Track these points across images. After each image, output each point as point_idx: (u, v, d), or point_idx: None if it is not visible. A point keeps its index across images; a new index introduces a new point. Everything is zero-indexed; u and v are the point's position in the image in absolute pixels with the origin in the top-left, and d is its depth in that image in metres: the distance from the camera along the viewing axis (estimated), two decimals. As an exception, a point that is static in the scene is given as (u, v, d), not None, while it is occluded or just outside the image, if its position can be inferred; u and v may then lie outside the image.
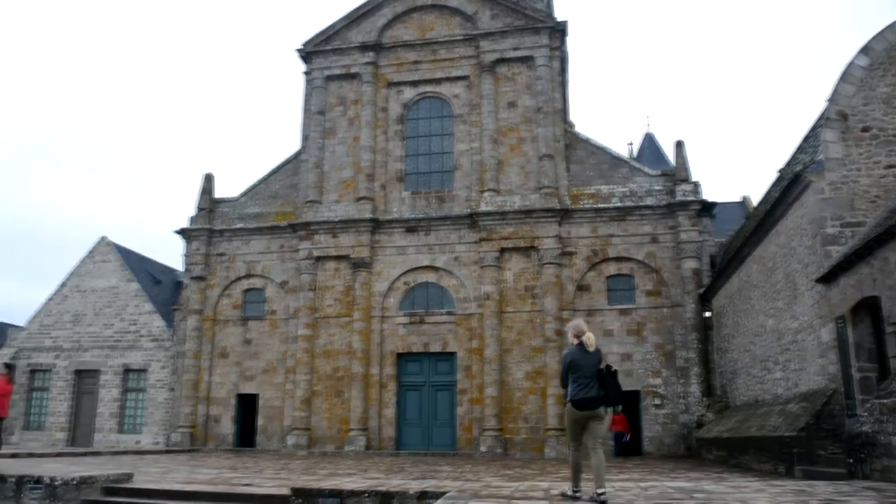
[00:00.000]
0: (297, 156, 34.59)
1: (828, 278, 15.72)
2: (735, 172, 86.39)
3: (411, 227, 31.80)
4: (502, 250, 30.47)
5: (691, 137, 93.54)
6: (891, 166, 16.66)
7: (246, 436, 32.13)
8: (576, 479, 9.51)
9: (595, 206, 30.14)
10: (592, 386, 9.16)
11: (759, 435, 18.53)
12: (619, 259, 29.62)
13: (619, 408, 28.48)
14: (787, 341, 18.92)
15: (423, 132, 33.55)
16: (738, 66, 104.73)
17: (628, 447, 27.62)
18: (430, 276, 31.39)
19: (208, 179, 34.89)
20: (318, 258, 32.28)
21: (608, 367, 9.40)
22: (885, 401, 12.20)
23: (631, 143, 49.91)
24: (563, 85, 33.49)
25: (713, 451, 23.44)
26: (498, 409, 28.85)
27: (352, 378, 30.56)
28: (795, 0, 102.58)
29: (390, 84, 34.06)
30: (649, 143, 47.01)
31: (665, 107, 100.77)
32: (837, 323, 15.45)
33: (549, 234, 29.97)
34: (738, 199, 41.93)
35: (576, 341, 9.43)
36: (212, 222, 34.15)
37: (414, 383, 30.77)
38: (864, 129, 16.95)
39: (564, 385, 9.45)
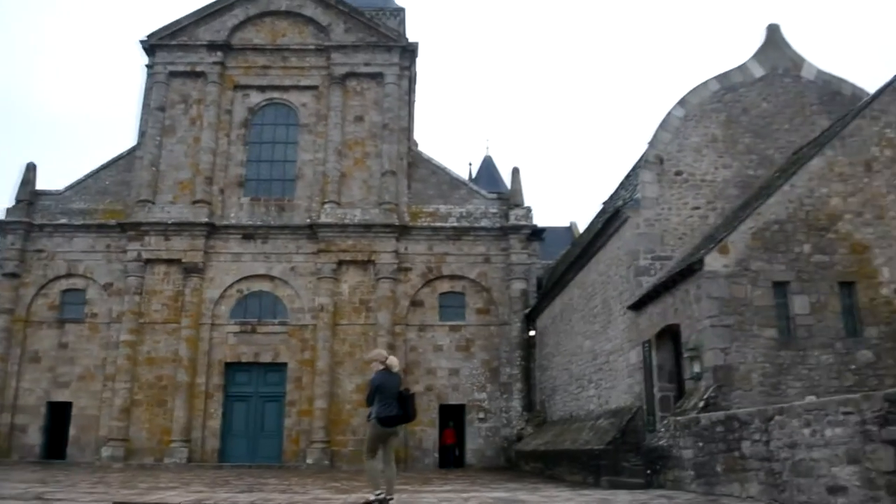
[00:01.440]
0: (131, 152, 32.93)
1: (638, 306, 17.30)
2: (566, 198, 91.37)
3: (248, 234, 31.27)
4: (340, 263, 30.67)
5: (528, 161, 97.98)
6: (697, 208, 18.61)
7: (55, 447, 29.88)
8: (378, 484, 10.32)
9: (433, 224, 31.08)
10: (395, 405, 10.15)
11: (572, 448, 19.91)
12: (452, 277, 30.71)
13: (451, 423, 29.53)
14: (601, 361, 20.50)
15: (267, 138, 33.14)
16: (579, 95, 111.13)
17: (452, 459, 28.62)
18: (265, 285, 30.96)
19: (30, 169, 32.45)
20: (148, 261, 30.88)
21: (406, 389, 10.49)
22: (679, 418, 13.66)
23: (471, 164, 51.77)
24: (410, 104, 34.34)
25: (531, 463, 24.80)
26: (326, 421, 28.88)
27: (176, 387, 29.43)
28: (638, 40, 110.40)
29: (237, 87, 33.39)
30: (487, 165, 48.94)
31: (505, 131, 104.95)
32: (644, 347, 17.03)
33: (387, 249, 30.54)
34: (566, 224, 44.55)
35: (381, 367, 10.40)
36: (31, 216, 31.70)
37: (242, 394, 30.14)
38: (677, 173, 18.84)
39: (370, 404, 10.36)
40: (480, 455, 29.16)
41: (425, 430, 29.14)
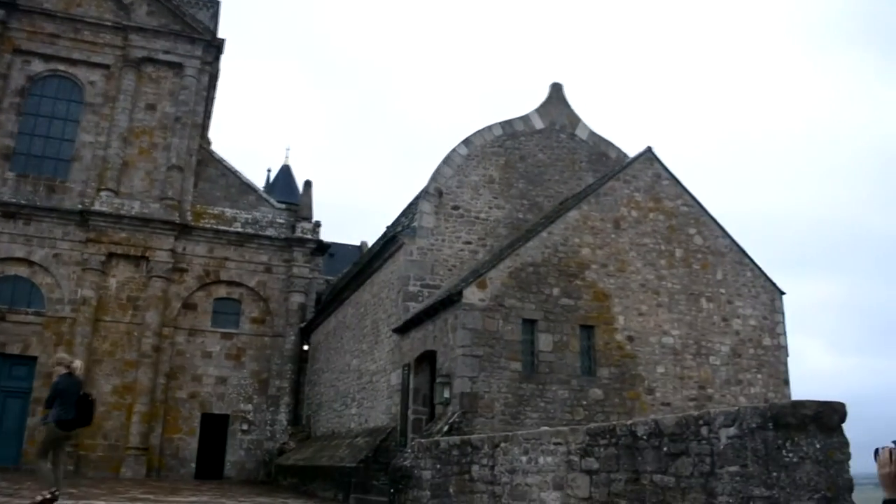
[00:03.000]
0: None
1: (403, 330, 17.93)
2: (369, 217, 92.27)
3: (10, 212, 28.50)
4: (110, 255, 28.83)
5: (333, 177, 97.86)
6: (469, 242, 19.68)
7: None
8: (51, 482, 10.35)
9: (217, 226, 30.16)
10: (73, 409, 10.46)
11: (328, 465, 20.08)
12: (230, 283, 29.93)
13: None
14: (365, 381, 20.93)
15: (45, 112, 30.50)
16: (393, 119, 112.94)
17: (210, 470, 27.71)
18: (21, 270, 28.35)
19: None
20: None
21: (87, 394, 10.89)
22: (422, 440, 14.30)
23: (269, 171, 50.95)
24: (209, 101, 33.24)
25: (289, 478, 24.63)
26: (75, 422, 26.83)
27: None
28: (459, 68, 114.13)
29: (17, 51, 30.43)
30: (285, 174, 48.39)
31: (312, 142, 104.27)
32: (404, 370, 17.66)
33: (163, 246, 29.16)
34: (358, 242, 45.00)
35: (64, 370, 10.70)
36: None
37: (-22, 386, 27.31)
38: (454, 208, 19.84)
39: (49, 407, 10.53)
40: (241, 467, 28.49)
41: (184, 439, 28.01)
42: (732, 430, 7.71)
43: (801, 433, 7.16)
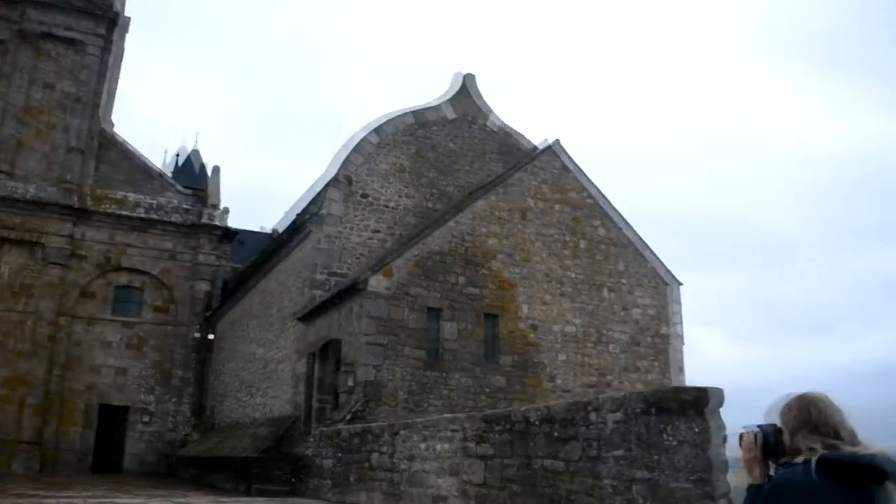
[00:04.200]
0: None
1: (308, 318, 17.72)
2: (283, 203, 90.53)
3: None
4: (3, 240, 27.31)
5: (244, 162, 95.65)
6: (377, 231, 19.59)
7: None
8: None
9: (118, 212, 28.96)
10: None
11: (230, 455, 19.68)
12: (132, 270, 28.82)
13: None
14: (270, 370, 20.60)
15: (-67, 88, 28.67)
16: (319, 105, 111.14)
17: (109, 464, 26.74)
18: None
19: None
20: None
21: None
22: (324, 429, 14.20)
23: (178, 155, 49.36)
24: (112, 81, 31.90)
25: (190, 469, 24.04)
26: (-40, 415, 25.46)
27: None
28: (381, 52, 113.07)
29: None
30: (193, 159, 47.03)
31: (222, 127, 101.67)
32: (309, 358, 17.47)
33: (60, 232, 27.85)
34: (269, 230, 44.10)
35: None
36: None
37: None
38: (363, 196, 19.70)
39: None
40: (141, 460, 27.56)
41: (80, 432, 26.89)
42: (618, 415, 7.93)
43: (681, 418, 7.43)
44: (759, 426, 2.44)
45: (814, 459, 2.15)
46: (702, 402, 7.45)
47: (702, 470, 7.25)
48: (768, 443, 2.38)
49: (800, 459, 2.22)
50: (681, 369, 18.33)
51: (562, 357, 16.90)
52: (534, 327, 16.82)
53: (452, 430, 10.19)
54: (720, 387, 7.67)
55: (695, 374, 19.16)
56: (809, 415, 2.31)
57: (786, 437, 2.35)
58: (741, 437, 2.47)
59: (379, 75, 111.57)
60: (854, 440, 2.25)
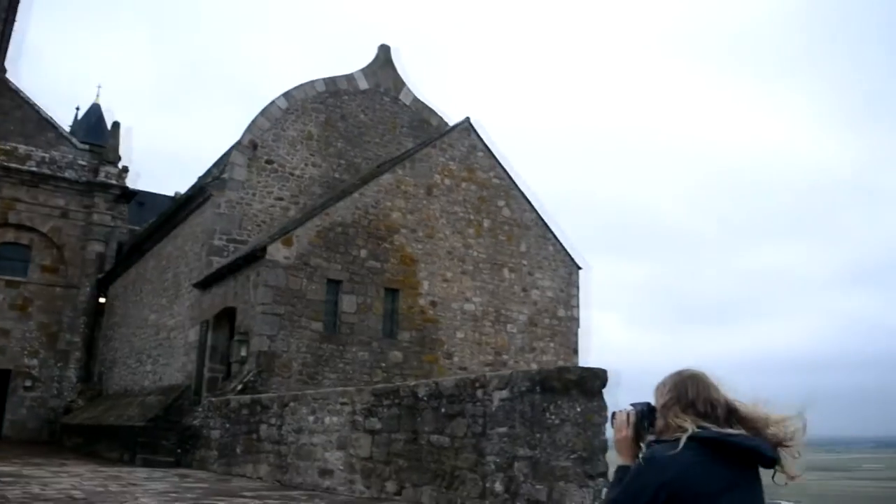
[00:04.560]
0: None
1: (204, 285, 17.19)
2: (195, 167, 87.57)
3: None
4: None
5: (157, 124, 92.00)
6: (281, 199, 19.13)
7: None
8: None
9: (7, 163, 27.23)
10: None
11: (115, 424, 18.98)
12: (20, 227, 27.20)
13: None
14: (162, 337, 19.93)
15: None
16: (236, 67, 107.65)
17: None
18: None
19: None
20: None
21: None
22: (213, 399, 13.83)
23: (78, 108, 46.83)
24: (7, 23, 29.84)
25: (73, 438, 23.08)
26: None
27: None
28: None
29: None
30: (95, 114, 44.71)
31: (137, 87, 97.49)
32: (202, 326, 16.96)
33: (-60, 182, 26.10)
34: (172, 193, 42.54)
35: None
36: None
37: None
38: (268, 162, 19.18)
39: None
40: (21, 427, 26.23)
41: (-45, 396, 25.44)
42: (505, 393, 7.98)
43: (565, 397, 7.53)
44: (632, 405, 2.32)
45: (684, 437, 2.07)
46: (585, 382, 7.58)
47: (582, 449, 7.39)
48: (641, 422, 2.26)
49: (670, 437, 2.14)
50: (575, 351, 18.71)
51: (460, 335, 16.98)
52: (434, 304, 16.81)
53: (342, 404, 10.07)
54: (608, 368, 7.83)
55: (594, 356, 19.57)
56: (686, 391, 2.18)
57: (658, 415, 2.23)
58: (613, 415, 2.35)
59: (308, 50, 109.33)
60: (730, 418, 2.16)
